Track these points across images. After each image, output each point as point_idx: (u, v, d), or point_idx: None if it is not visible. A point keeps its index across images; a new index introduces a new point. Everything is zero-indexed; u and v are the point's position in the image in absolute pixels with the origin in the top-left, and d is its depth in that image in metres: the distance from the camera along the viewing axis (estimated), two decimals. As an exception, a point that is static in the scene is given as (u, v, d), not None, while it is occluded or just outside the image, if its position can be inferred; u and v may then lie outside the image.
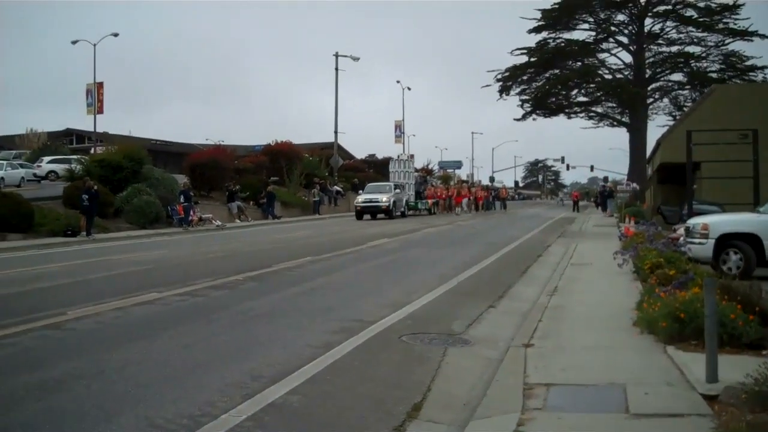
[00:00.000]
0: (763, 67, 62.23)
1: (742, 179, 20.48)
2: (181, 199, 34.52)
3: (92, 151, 50.20)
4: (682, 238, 16.74)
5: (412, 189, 52.32)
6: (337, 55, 60.53)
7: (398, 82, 78.99)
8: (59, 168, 44.70)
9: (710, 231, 15.44)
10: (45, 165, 48.26)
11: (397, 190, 46.89)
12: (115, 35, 53.23)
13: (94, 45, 52.06)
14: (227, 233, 32.31)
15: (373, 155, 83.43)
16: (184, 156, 48.32)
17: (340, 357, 8.14)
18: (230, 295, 12.75)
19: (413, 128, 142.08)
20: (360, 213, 43.99)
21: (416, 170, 61.35)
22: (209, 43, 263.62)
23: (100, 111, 53.24)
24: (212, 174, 43.37)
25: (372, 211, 43.96)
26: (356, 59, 61.21)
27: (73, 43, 53.11)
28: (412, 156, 69.75)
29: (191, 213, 34.77)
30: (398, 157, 56.39)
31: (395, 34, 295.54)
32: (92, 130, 54.89)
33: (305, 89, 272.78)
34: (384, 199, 43.89)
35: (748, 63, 63.32)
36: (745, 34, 61.75)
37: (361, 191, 48.97)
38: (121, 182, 34.58)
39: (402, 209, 46.66)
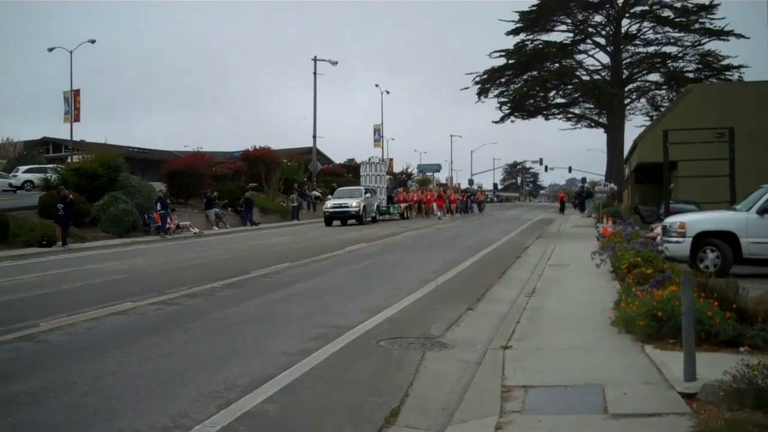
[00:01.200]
0: (738, 66, 62.67)
1: (719, 177, 20.57)
2: (158, 207, 34.23)
3: (69, 159, 49.76)
4: (659, 237, 16.81)
5: (384, 193, 50.63)
6: (315, 60, 60.45)
7: (377, 85, 79.41)
8: (35, 177, 44.30)
9: (687, 229, 15.50)
10: (21, 174, 47.88)
11: (368, 195, 45.16)
12: (92, 42, 52.77)
13: (71, 52, 51.68)
14: (205, 240, 32.08)
15: (353, 160, 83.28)
16: (161, 163, 47.93)
17: (316, 364, 8.05)
18: (206, 303, 12.61)
19: (392, 132, 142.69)
20: (329, 219, 41.91)
21: (388, 173, 60.39)
22: (187, 50, 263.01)
23: (77, 119, 52.80)
24: (190, 181, 43.09)
25: (341, 217, 42.16)
26: (335, 63, 61.19)
27: (50, 50, 52.67)
28: (391, 160, 69.74)
29: (168, 221, 34.50)
30: (370, 160, 54.07)
31: (374, 37, 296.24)
32: (69, 138, 54.42)
33: (284, 94, 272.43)
34: (354, 203, 42.10)
35: (724, 62, 63.77)
36: (720, 34, 62.16)
37: (330, 196, 47.82)
38: (98, 191, 34.27)
39: (373, 214, 45.02)
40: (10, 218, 28.05)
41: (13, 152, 61.34)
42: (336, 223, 41.93)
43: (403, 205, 51.14)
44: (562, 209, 64.75)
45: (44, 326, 10.45)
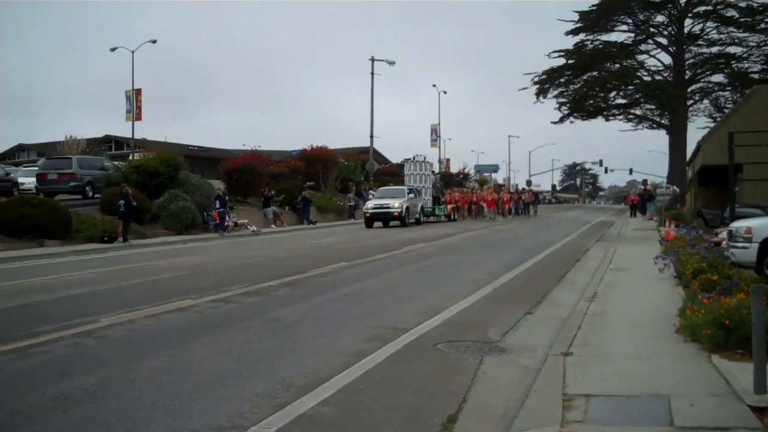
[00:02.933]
0: (805, 67, 61.15)
1: (787, 181, 20.01)
2: (217, 205, 34.60)
3: (130, 157, 50.59)
4: (724, 242, 16.36)
5: (429, 193, 47.41)
6: (372, 60, 60.57)
7: (434, 85, 79.12)
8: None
9: (754, 234, 15.06)
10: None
11: (411, 195, 42.44)
12: (153, 42, 53.58)
13: (133, 52, 52.47)
14: (262, 238, 32.31)
15: (409, 159, 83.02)
16: (220, 162, 48.48)
17: (373, 366, 7.97)
18: (264, 302, 12.63)
19: (449, 132, 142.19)
20: (369, 220, 39.72)
21: (440, 173, 58.25)
22: (246, 50, 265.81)
23: (139, 117, 53.59)
24: (248, 179, 43.65)
25: (383, 218, 39.79)
26: (392, 63, 61.20)
27: (112, 50, 53.53)
28: (448, 160, 69.19)
29: (227, 218, 34.87)
30: (414, 158, 49.82)
31: (431, 37, 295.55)
32: (130, 136, 55.34)
33: (342, 94, 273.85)
34: (396, 204, 39.52)
35: (791, 63, 62.28)
36: (787, 34, 60.74)
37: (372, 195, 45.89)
38: (158, 188, 34.86)
39: (417, 216, 42.34)
40: (73, 214, 28.58)
41: (76, 149, 62.49)
42: (377, 224, 39.91)
43: (450, 206, 48.31)
44: (633, 212, 59.87)
45: (104, 322, 10.55)
